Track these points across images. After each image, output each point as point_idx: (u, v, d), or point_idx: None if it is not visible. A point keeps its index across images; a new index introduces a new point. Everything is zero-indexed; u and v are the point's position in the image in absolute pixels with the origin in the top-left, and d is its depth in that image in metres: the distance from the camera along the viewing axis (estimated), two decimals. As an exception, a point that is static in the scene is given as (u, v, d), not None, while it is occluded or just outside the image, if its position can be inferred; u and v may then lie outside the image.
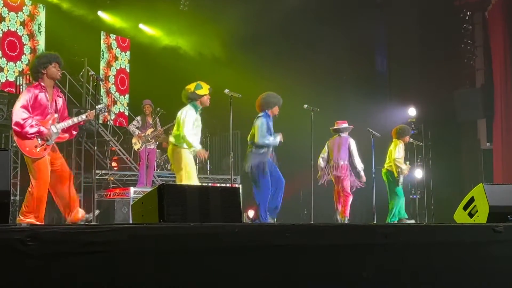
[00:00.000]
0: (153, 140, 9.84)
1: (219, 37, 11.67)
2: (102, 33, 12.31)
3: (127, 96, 12.81)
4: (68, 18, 10.87)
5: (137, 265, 2.28)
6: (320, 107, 7.67)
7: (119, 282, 2.23)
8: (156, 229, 2.46)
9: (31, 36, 10.78)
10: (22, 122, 4.90)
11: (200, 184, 6.44)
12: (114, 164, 10.80)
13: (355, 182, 8.00)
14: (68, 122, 5.25)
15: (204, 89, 6.12)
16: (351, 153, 7.90)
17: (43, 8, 10.95)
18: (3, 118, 8.74)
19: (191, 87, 6.12)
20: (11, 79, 10.37)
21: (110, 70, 12.50)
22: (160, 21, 12.17)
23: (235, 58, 11.79)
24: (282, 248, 2.68)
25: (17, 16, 10.55)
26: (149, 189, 5.42)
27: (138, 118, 10.02)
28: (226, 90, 6.43)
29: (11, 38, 10.47)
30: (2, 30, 10.33)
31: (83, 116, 5.43)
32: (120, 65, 12.74)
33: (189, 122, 5.94)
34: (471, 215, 4.36)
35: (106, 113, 5.51)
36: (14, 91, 10.08)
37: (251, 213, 9.56)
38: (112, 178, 10.06)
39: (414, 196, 11.17)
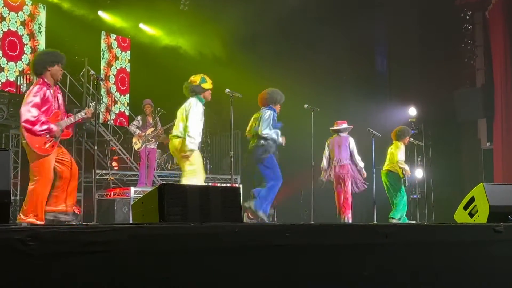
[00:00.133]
0: (154, 140, 9.84)
1: (220, 37, 11.67)
2: (103, 33, 12.32)
3: (127, 96, 12.82)
4: (68, 18, 10.87)
5: (137, 265, 2.29)
6: (320, 107, 7.68)
7: (119, 282, 2.23)
8: (157, 229, 2.47)
9: (32, 36, 10.78)
10: (33, 119, 4.93)
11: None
12: (114, 164, 10.80)
13: (361, 183, 7.98)
14: (71, 119, 5.30)
15: (208, 83, 6.06)
16: (351, 152, 7.91)
17: (44, 8, 10.95)
18: (3, 118, 8.75)
19: (196, 79, 6.00)
20: (12, 79, 10.37)
21: (111, 70, 12.50)
22: (160, 20, 12.17)
23: (236, 58, 11.79)
24: (282, 248, 2.68)
25: (17, 16, 10.56)
26: (149, 189, 5.41)
27: (139, 117, 10.02)
28: (227, 90, 6.41)
29: (12, 38, 10.47)
30: (2, 30, 10.34)
31: (82, 113, 5.46)
32: (121, 64, 12.74)
33: (198, 113, 5.85)
34: (471, 215, 4.36)
35: (86, 115, 5.49)
36: (15, 91, 10.08)
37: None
38: (112, 178, 10.06)
39: (415, 196, 11.16)
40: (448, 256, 3.25)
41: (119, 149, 10.41)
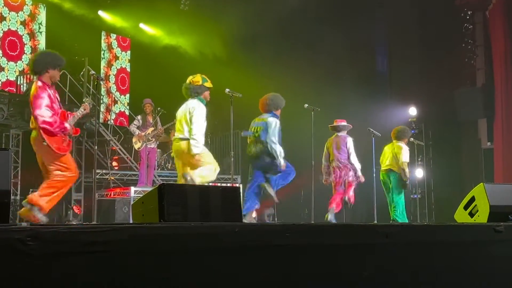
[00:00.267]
0: (154, 139, 9.84)
1: (220, 37, 11.67)
2: (103, 32, 12.31)
3: (127, 95, 12.81)
4: (68, 18, 10.87)
5: (137, 265, 2.29)
6: (320, 106, 7.67)
7: (119, 282, 2.23)
8: (157, 228, 2.47)
9: (32, 35, 10.78)
10: (50, 120, 4.99)
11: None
12: (114, 163, 10.80)
13: (356, 178, 7.95)
14: (74, 118, 5.33)
15: (209, 82, 6.01)
16: (348, 152, 7.85)
17: (44, 8, 10.95)
18: (3, 118, 8.75)
19: (198, 80, 5.92)
20: (12, 78, 10.37)
21: (111, 69, 12.50)
22: (160, 20, 12.17)
23: (236, 58, 11.79)
24: (282, 248, 2.68)
25: (17, 16, 10.56)
26: (149, 189, 5.41)
27: (139, 117, 10.02)
28: (227, 90, 6.40)
29: (12, 38, 10.47)
30: (2, 29, 10.34)
31: (81, 110, 5.47)
32: (121, 64, 12.74)
33: (203, 116, 5.80)
34: (471, 214, 4.36)
35: (85, 110, 5.52)
36: (15, 90, 10.08)
37: (252, 213, 9.54)
38: (112, 178, 10.06)
39: (415, 196, 11.16)
40: (448, 256, 3.25)
41: (119, 149, 10.41)
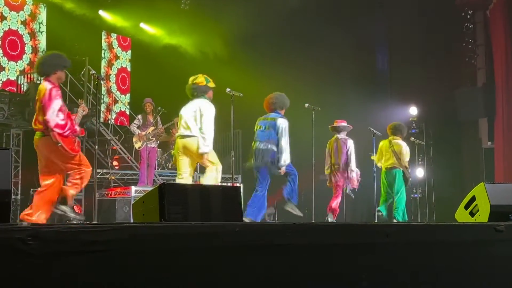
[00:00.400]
0: (154, 139, 9.84)
1: (220, 36, 11.66)
2: (103, 32, 12.32)
3: (128, 95, 12.82)
4: (69, 17, 10.88)
5: (138, 264, 2.29)
6: (321, 106, 7.66)
7: (119, 281, 2.23)
8: (157, 228, 2.46)
9: (32, 35, 10.78)
10: (62, 123, 5.06)
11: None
12: (115, 163, 10.80)
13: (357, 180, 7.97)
14: (76, 120, 5.39)
15: (211, 82, 6.09)
16: (348, 156, 7.84)
17: (44, 8, 10.95)
18: (4, 117, 8.75)
19: (202, 80, 6.00)
20: (12, 78, 10.38)
21: (111, 69, 12.50)
22: (161, 20, 12.17)
23: (236, 57, 11.78)
24: (283, 248, 2.68)
25: (18, 15, 10.56)
26: (150, 188, 5.42)
27: (139, 116, 10.02)
28: (228, 89, 6.41)
29: (12, 37, 10.47)
30: (3, 29, 10.34)
31: (81, 111, 5.55)
32: (121, 64, 12.74)
33: (213, 115, 5.89)
34: (472, 214, 4.36)
35: (84, 111, 5.59)
36: (15, 90, 10.09)
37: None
38: (113, 177, 10.06)
39: (415, 195, 11.16)
40: (448, 255, 3.25)
41: (120, 148, 10.41)
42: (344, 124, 8.07)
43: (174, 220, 3.03)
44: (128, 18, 12.11)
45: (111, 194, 9.74)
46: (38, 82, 9.91)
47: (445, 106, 11.67)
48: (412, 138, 9.56)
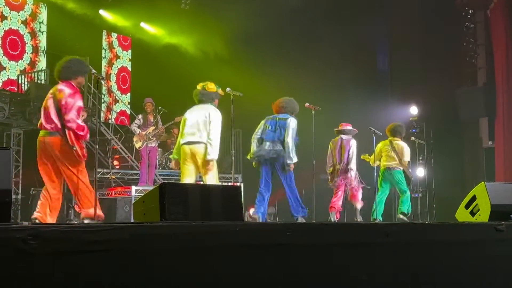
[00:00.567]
0: (154, 139, 9.84)
1: (221, 35, 11.67)
2: (104, 31, 12.32)
3: (128, 94, 12.82)
4: (69, 17, 10.88)
5: (138, 264, 2.29)
6: (321, 105, 7.66)
7: (120, 281, 2.23)
8: (158, 228, 2.47)
9: (33, 35, 10.79)
10: (83, 125, 5.10)
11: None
12: (115, 162, 10.80)
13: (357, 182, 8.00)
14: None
15: (221, 90, 6.15)
16: (349, 155, 7.88)
17: (45, 7, 10.96)
18: (4, 117, 8.76)
19: (213, 87, 6.02)
20: (13, 77, 10.38)
21: (112, 68, 12.50)
22: (161, 19, 12.17)
23: (237, 57, 11.79)
24: (283, 247, 2.68)
25: (18, 15, 10.56)
26: (150, 188, 5.42)
27: (140, 116, 10.01)
28: (228, 89, 6.41)
29: (13, 37, 10.48)
30: (3, 29, 10.34)
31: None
32: (122, 63, 12.74)
33: (220, 123, 5.91)
34: (473, 213, 4.35)
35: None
36: (16, 89, 10.09)
37: (252, 212, 9.55)
38: (113, 177, 10.06)
39: (416, 195, 11.15)
40: (449, 255, 3.25)
41: (120, 148, 10.41)
42: (350, 127, 8.11)
43: (174, 219, 3.03)
44: (128, 17, 12.12)
45: (111, 193, 9.74)
46: (39, 82, 9.93)
47: (446, 106, 11.66)
48: (413, 138, 9.56)
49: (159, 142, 10.19)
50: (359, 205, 8.00)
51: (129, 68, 12.85)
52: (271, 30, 11.51)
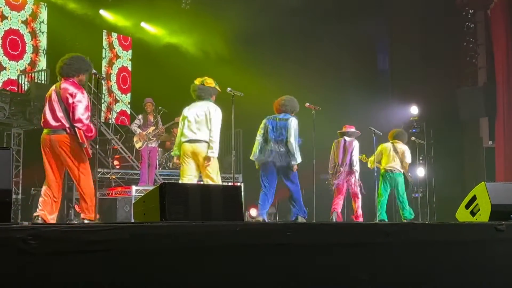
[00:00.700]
0: (155, 139, 9.84)
1: (221, 35, 11.67)
2: (104, 31, 12.32)
3: (129, 94, 12.82)
4: (70, 17, 10.89)
5: (138, 263, 2.29)
6: (321, 105, 7.66)
7: (120, 281, 2.23)
8: (158, 227, 2.47)
9: (33, 34, 10.79)
10: (91, 125, 5.06)
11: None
12: (116, 162, 10.80)
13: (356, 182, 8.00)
14: None
15: (218, 86, 6.09)
16: (352, 157, 7.89)
17: (45, 7, 10.96)
18: (5, 117, 8.76)
19: (211, 82, 5.95)
20: (13, 77, 10.39)
21: (112, 68, 12.50)
22: (161, 19, 12.17)
23: (237, 57, 11.79)
24: (283, 247, 2.68)
25: (19, 15, 10.57)
26: (150, 188, 5.41)
27: (140, 116, 10.01)
28: (228, 89, 6.40)
29: (13, 37, 10.48)
30: (4, 29, 10.35)
31: None
32: (122, 63, 12.74)
33: (220, 120, 5.87)
34: (473, 213, 4.35)
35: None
36: (16, 89, 10.09)
37: (253, 212, 9.56)
38: (114, 177, 10.07)
39: (416, 195, 11.15)
40: (449, 255, 3.25)
41: (121, 148, 10.41)
42: (353, 130, 8.13)
43: (175, 219, 3.03)
44: (128, 17, 12.11)
45: (112, 193, 9.75)
46: (39, 82, 9.93)
47: (446, 106, 11.66)
48: (413, 138, 9.57)
49: (159, 142, 10.19)
50: (358, 205, 7.99)
51: (130, 68, 12.85)
52: (271, 29, 11.50)
